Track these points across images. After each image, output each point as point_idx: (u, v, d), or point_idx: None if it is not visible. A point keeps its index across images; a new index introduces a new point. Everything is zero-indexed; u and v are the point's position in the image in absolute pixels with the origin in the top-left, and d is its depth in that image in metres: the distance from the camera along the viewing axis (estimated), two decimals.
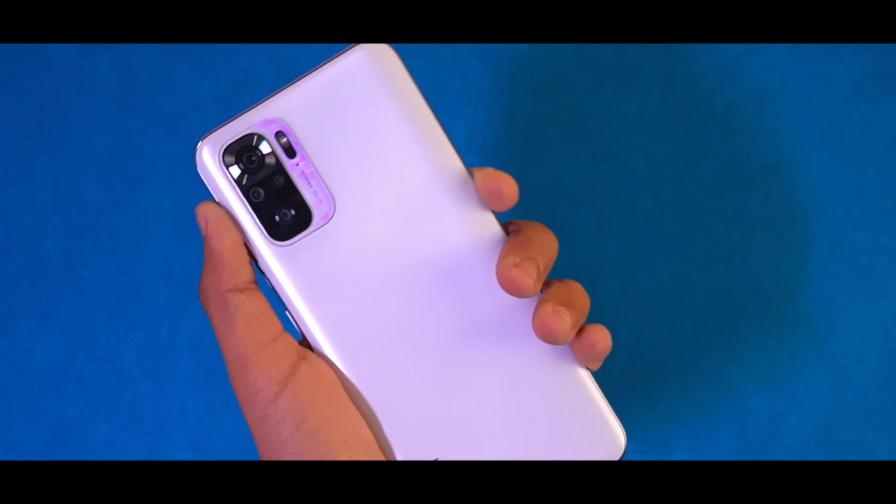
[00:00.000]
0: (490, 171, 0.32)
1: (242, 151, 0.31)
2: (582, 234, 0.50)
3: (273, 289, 0.32)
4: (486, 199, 0.32)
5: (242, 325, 0.30)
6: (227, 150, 0.31)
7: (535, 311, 0.31)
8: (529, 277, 0.30)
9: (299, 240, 0.32)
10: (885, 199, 0.49)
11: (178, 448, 0.49)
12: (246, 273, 0.31)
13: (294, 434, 0.30)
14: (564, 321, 0.31)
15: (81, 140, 0.52)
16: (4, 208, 0.51)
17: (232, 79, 0.52)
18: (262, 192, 0.31)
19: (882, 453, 0.48)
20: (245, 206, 0.31)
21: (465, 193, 0.32)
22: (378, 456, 0.31)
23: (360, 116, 0.31)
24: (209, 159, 0.31)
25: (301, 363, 0.31)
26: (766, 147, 0.50)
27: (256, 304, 0.31)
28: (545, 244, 0.32)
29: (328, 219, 0.32)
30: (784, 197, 0.50)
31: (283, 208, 0.31)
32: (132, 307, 0.50)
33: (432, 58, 0.51)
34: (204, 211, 0.31)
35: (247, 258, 0.31)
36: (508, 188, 0.31)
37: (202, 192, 0.51)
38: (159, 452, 0.49)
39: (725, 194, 0.50)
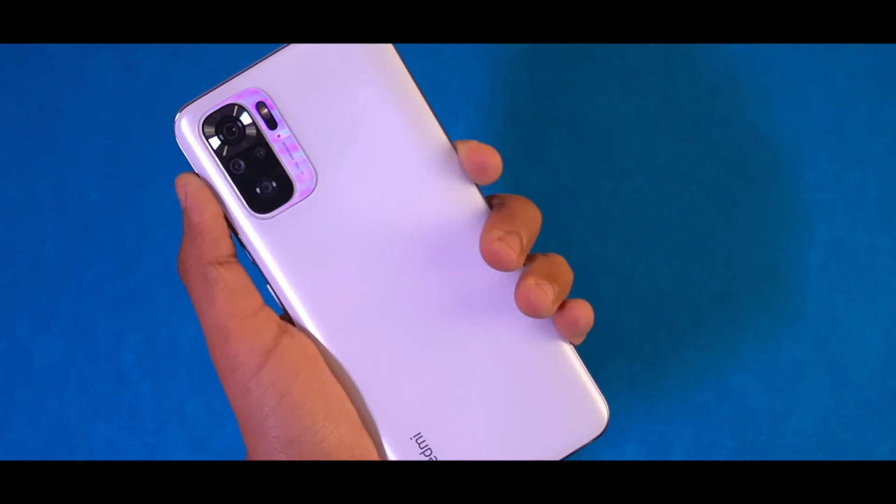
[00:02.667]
0: (474, 143, 0.31)
1: (223, 122, 0.31)
2: (582, 234, 0.50)
3: (254, 262, 0.31)
4: (471, 173, 0.31)
5: (223, 298, 0.30)
6: (207, 121, 0.31)
7: (518, 285, 0.31)
8: (513, 251, 0.30)
9: (280, 212, 0.31)
10: (885, 199, 0.49)
11: (178, 448, 0.49)
12: (226, 246, 0.31)
13: (276, 408, 0.30)
14: (546, 294, 0.30)
15: (81, 140, 0.52)
16: (4, 208, 0.51)
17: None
18: (242, 163, 0.31)
19: (882, 453, 0.48)
20: (225, 178, 0.31)
21: (449, 166, 0.31)
22: (360, 430, 0.31)
23: (343, 87, 0.31)
24: (188, 130, 0.31)
25: (283, 336, 0.31)
26: (766, 147, 0.50)
27: (237, 277, 0.30)
28: (529, 218, 0.31)
29: (310, 191, 0.31)
30: (784, 197, 0.50)
31: (265, 180, 0.31)
32: (132, 307, 0.50)
33: (432, 58, 0.51)
34: (184, 182, 0.31)
35: (227, 231, 0.31)
36: (493, 161, 0.31)
37: None
38: (159, 452, 0.49)
39: (725, 194, 0.50)
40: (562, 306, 0.32)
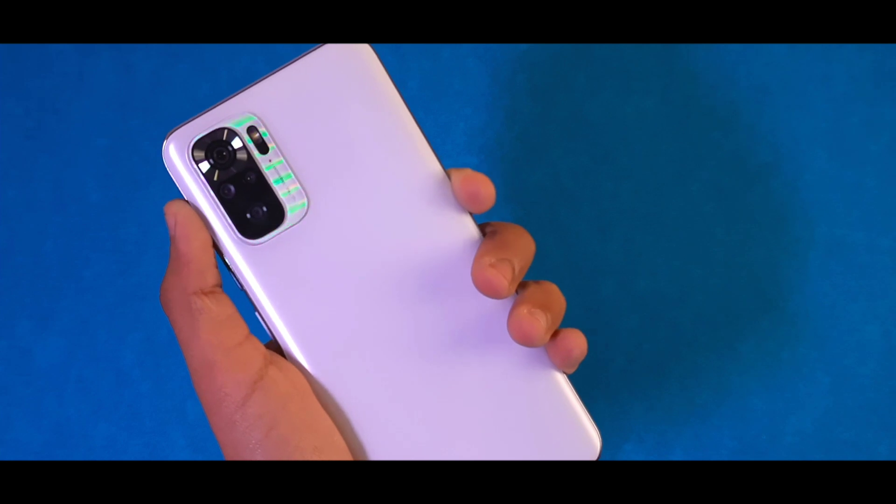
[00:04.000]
0: (468, 172, 0.31)
1: (212, 147, 0.30)
2: (582, 234, 0.50)
3: (242, 289, 0.31)
4: (464, 201, 0.31)
5: (208, 329, 0.29)
6: (197, 146, 0.30)
7: (510, 314, 0.30)
8: (504, 278, 0.30)
9: (271, 238, 0.30)
10: (885, 199, 0.49)
11: (178, 448, 0.49)
12: (212, 276, 0.30)
13: (264, 441, 0.29)
14: (539, 323, 0.30)
15: (81, 140, 0.52)
16: (4, 208, 0.51)
17: (232, 79, 0.52)
18: (232, 188, 0.30)
19: (882, 453, 0.48)
20: (215, 204, 0.30)
21: (442, 195, 0.31)
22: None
23: (336, 113, 0.30)
24: (176, 155, 0.30)
25: (270, 367, 0.30)
26: (766, 147, 0.50)
27: (222, 307, 0.30)
28: (522, 246, 0.31)
29: (301, 217, 0.31)
30: (784, 197, 0.50)
31: (255, 206, 0.30)
32: (132, 307, 0.50)
33: (432, 58, 0.51)
34: (174, 210, 0.30)
35: (214, 261, 0.30)
36: (486, 190, 0.31)
37: None
38: (159, 452, 0.49)
39: (725, 194, 0.50)
40: (555, 335, 0.31)
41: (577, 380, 0.49)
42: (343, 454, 0.30)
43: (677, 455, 0.48)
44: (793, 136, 0.50)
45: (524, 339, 0.30)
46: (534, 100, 0.51)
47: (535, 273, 0.50)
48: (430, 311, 0.31)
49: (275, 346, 0.32)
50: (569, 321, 0.49)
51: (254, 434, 0.29)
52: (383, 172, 0.31)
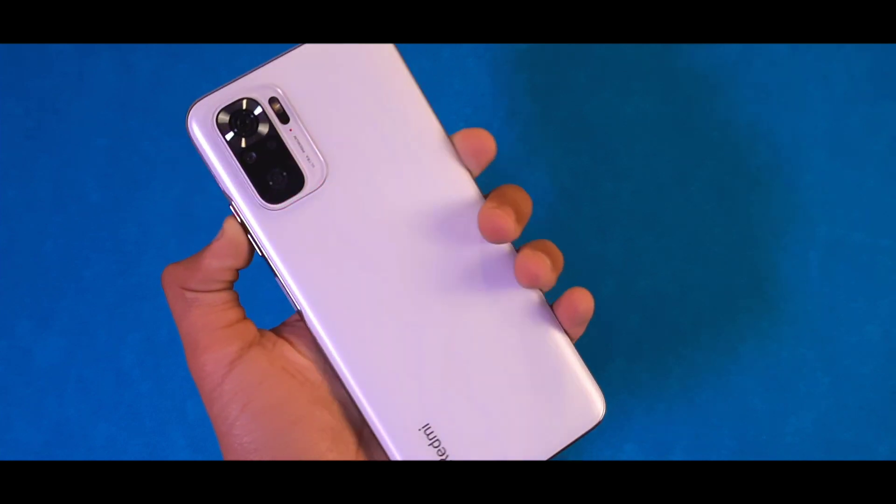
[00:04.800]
0: (465, 130, 0.33)
1: (236, 116, 0.32)
2: (582, 234, 0.50)
3: (262, 255, 0.32)
4: (468, 157, 0.33)
5: (197, 312, 0.31)
6: (221, 114, 0.32)
7: (517, 258, 0.32)
8: (509, 217, 0.31)
9: (291, 204, 0.32)
10: (885, 199, 0.49)
11: (178, 448, 0.49)
12: (214, 285, 0.32)
13: (241, 415, 0.31)
14: (545, 262, 0.31)
15: (81, 140, 0.52)
16: (4, 208, 0.51)
17: (232, 79, 0.52)
18: (254, 155, 0.32)
19: (882, 453, 0.48)
20: (237, 169, 0.32)
21: (451, 160, 0.33)
22: (333, 436, 0.32)
23: (351, 86, 0.32)
24: (202, 123, 0.32)
25: (252, 347, 0.32)
26: (766, 147, 0.50)
27: (220, 295, 0.32)
28: (521, 198, 0.33)
29: (320, 184, 0.32)
30: (784, 197, 0.50)
31: (276, 172, 0.32)
32: (132, 307, 0.50)
33: (432, 58, 0.51)
34: (225, 227, 0.32)
35: (226, 279, 0.32)
36: (487, 142, 0.32)
37: (203, 192, 0.51)
38: (159, 452, 0.49)
39: (725, 194, 0.50)
40: (561, 296, 0.33)
41: None
42: (324, 427, 0.32)
43: (677, 455, 0.48)
44: (793, 136, 0.50)
45: (531, 279, 0.32)
46: (534, 100, 0.51)
47: None
48: (443, 274, 0.33)
49: (297, 312, 0.33)
50: None
51: (231, 408, 0.31)
52: (396, 141, 0.33)
